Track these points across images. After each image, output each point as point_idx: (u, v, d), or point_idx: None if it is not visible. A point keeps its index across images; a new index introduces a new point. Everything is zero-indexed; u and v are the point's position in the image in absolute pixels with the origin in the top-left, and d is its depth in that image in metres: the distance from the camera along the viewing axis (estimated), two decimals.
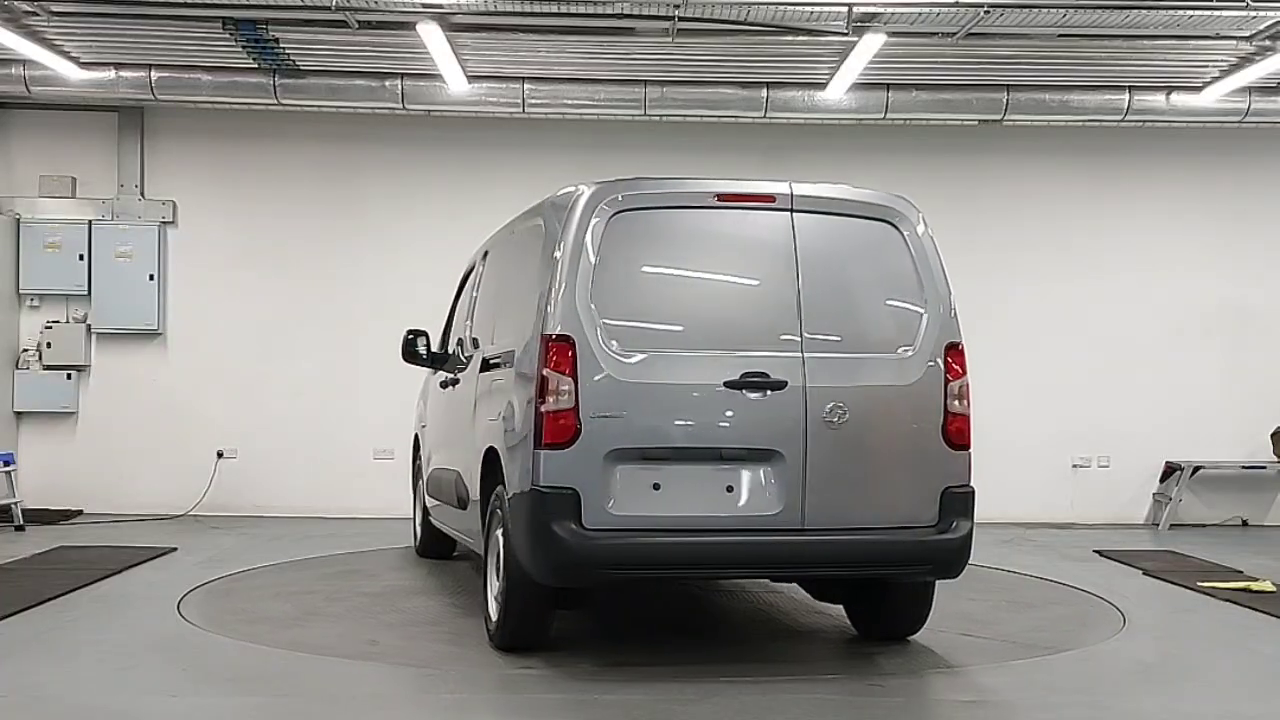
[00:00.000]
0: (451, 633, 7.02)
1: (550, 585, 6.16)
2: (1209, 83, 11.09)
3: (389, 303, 11.76)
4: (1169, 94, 11.36)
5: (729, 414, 6.06)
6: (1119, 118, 11.51)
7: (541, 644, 6.43)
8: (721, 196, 6.32)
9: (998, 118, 11.49)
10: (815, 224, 6.35)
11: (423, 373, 9.43)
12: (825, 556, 6.15)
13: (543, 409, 5.88)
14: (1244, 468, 12.37)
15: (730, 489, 6.06)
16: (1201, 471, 12.23)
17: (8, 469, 11.23)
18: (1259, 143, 12.38)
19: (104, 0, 9.70)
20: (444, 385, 8.37)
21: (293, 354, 12.25)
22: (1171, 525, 12.04)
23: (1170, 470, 12.25)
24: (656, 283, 6.30)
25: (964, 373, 6.35)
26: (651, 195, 6.27)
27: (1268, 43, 9.95)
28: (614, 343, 5.98)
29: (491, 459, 6.64)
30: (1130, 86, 11.31)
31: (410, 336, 8.73)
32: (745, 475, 6.07)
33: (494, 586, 6.58)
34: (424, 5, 9.33)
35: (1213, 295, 12.49)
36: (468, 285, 8.71)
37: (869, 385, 6.22)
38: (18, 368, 12.16)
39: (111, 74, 11.14)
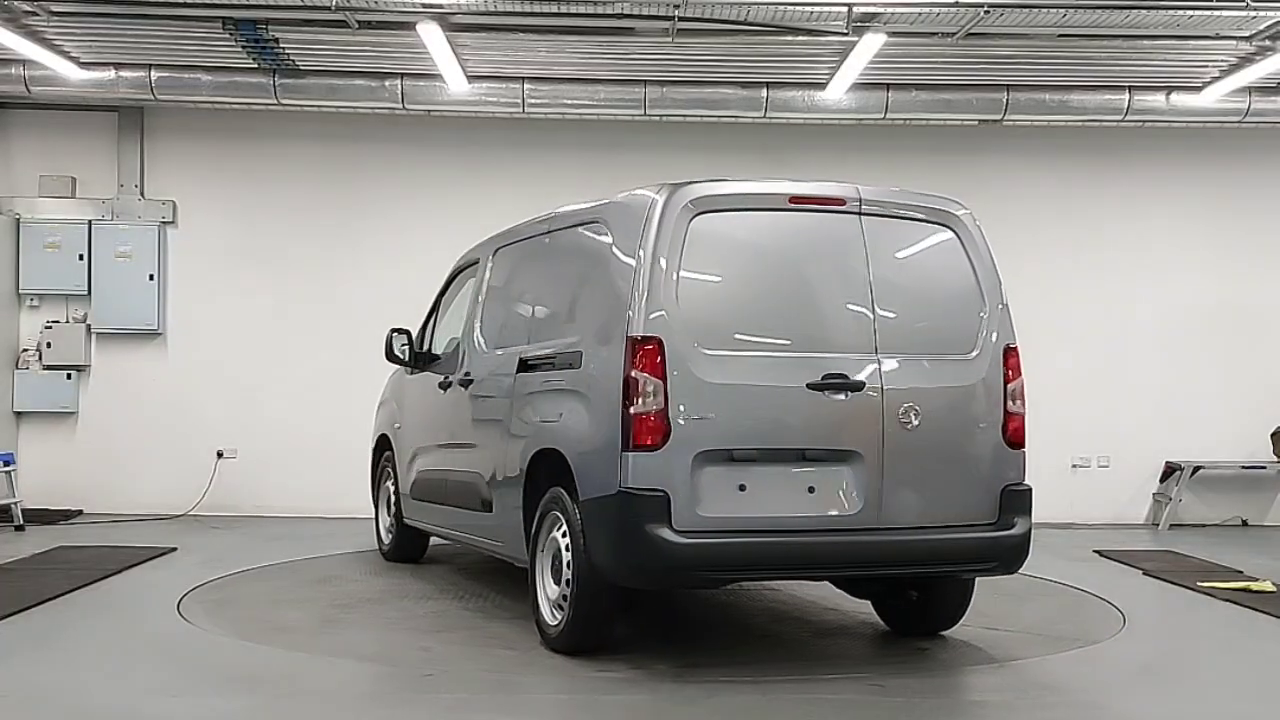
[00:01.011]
0: (492, 636, 6.90)
1: (637, 587, 6.24)
2: (1209, 83, 11.09)
3: (389, 302, 11.72)
4: (1169, 94, 11.36)
5: (812, 415, 6.12)
6: (1119, 118, 11.51)
7: (606, 646, 6.41)
8: (794, 199, 6.38)
9: (998, 118, 11.49)
10: (882, 226, 6.46)
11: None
12: (902, 556, 6.26)
13: (632, 411, 5.86)
14: (1244, 468, 12.36)
15: (812, 490, 6.11)
16: (1201, 471, 12.23)
17: (8, 469, 11.23)
18: (1259, 143, 12.38)
19: (104, 0, 9.71)
20: (443, 386, 8.21)
21: (293, 353, 12.25)
22: (1171, 525, 12.04)
23: (1170, 470, 12.25)
24: (736, 284, 6.31)
25: (1020, 373, 6.55)
26: (728, 197, 6.29)
27: (1268, 43, 9.95)
28: (699, 344, 5.99)
29: (543, 461, 6.58)
30: (1130, 86, 11.31)
31: (393, 335, 8.77)
32: (826, 476, 6.13)
33: (549, 590, 6.53)
34: (424, 5, 9.33)
35: (1213, 295, 12.49)
36: (464, 287, 8.62)
37: (938, 386, 6.34)
38: (18, 368, 12.16)
39: (111, 74, 11.14)
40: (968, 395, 6.41)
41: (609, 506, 5.95)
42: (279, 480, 12.07)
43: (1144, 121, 11.63)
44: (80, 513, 11.92)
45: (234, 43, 10.40)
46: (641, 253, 6.07)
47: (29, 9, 9.67)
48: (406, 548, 9.29)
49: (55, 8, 9.72)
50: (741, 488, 5.99)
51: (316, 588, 8.39)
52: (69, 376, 12.18)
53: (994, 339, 6.50)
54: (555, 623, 6.45)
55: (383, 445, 9.64)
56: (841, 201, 6.40)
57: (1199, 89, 11.21)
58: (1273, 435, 12.24)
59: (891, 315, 6.32)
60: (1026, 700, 5.88)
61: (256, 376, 12.22)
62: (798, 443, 6.10)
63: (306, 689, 5.91)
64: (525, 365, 7.00)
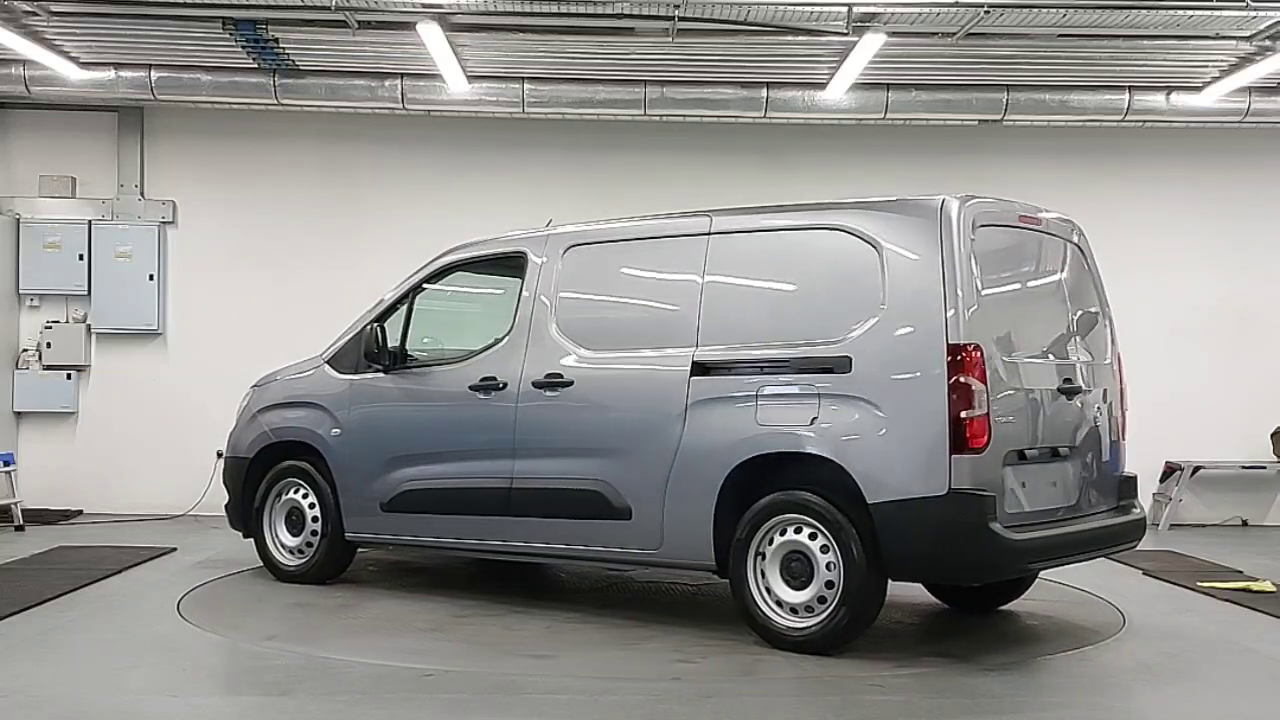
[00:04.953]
0: (693, 644, 6.80)
1: (957, 583, 7.36)
2: (1209, 83, 11.09)
3: None
4: (1169, 94, 11.36)
5: (1062, 416, 6.86)
6: (1119, 118, 11.51)
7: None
8: (1021, 217, 7.00)
9: (998, 118, 11.49)
10: (1056, 244, 7.25)
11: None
12: (1097, 539, 7.01)
13: (964, 415, 6.14)
14: (1244, 468, 12.36)
15: (1054, 484, 6.78)
16: (1201, 471, 12.23)
17: (8, 469, 11.25)
18: (1259, 143, 12.37)
19: (104, 0, 9.71)
20: (483, 389, 7.71)
21: (293, 354, 12.14)
22: (1171, 525, 12.02)
23: (1170, 470, 12.24)
24: (1007, 294, 6.85)
25: (1123, 378, 7.54)
26: (991, 213, 6.74)
27: (1268, 43, 9.95)
28: (998, 349, 6.37)
29: (758, 465, 6.64)
30: (1130, 86, 11.31)
31: (376, 331, 8.18)
32: (1061, 471, 6.83)
33: (785, 594, 6.60)
34: (424, 5, 9.34)
35: (1213, 295, 12.48)
36: (464, 286, 8.56)
37: (1103, 388, 7.25)
38: (18, 368, 12.16)
39: (111, 74, 11.15)
40: (1110, 395, 7.31)
41: (934, 507, 6.16)
42: None
43: (1144, 121, 11.63)
44: (80, 513, 11.92)
45: (234, 43, 10.40)
46: (947, 262, 6.33)
47: (29, 9, 9.67)
48: (334, 564, 8.54)
49: (55, 8, 9.72)
50: (1024, 484, 6.48)
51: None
52: (69, 376, 12.18)
53: (1112, 344, 7.45)
54: (805, 625, 6.52)
55: (281, 454, 8.73)
56: (1038, 221, 7.11)
57: (1199, 89, 11.21)
58: (1273, 435, 12.23)
59: (1078, 323, 7.17)
60: (1027, 700, 5.89)
61: (257, 376, 12.18)
62: (1056, 441, 6.78)
63: (307, 689, 5.91)
64: (704, 369, 6.89)
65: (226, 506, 9.05)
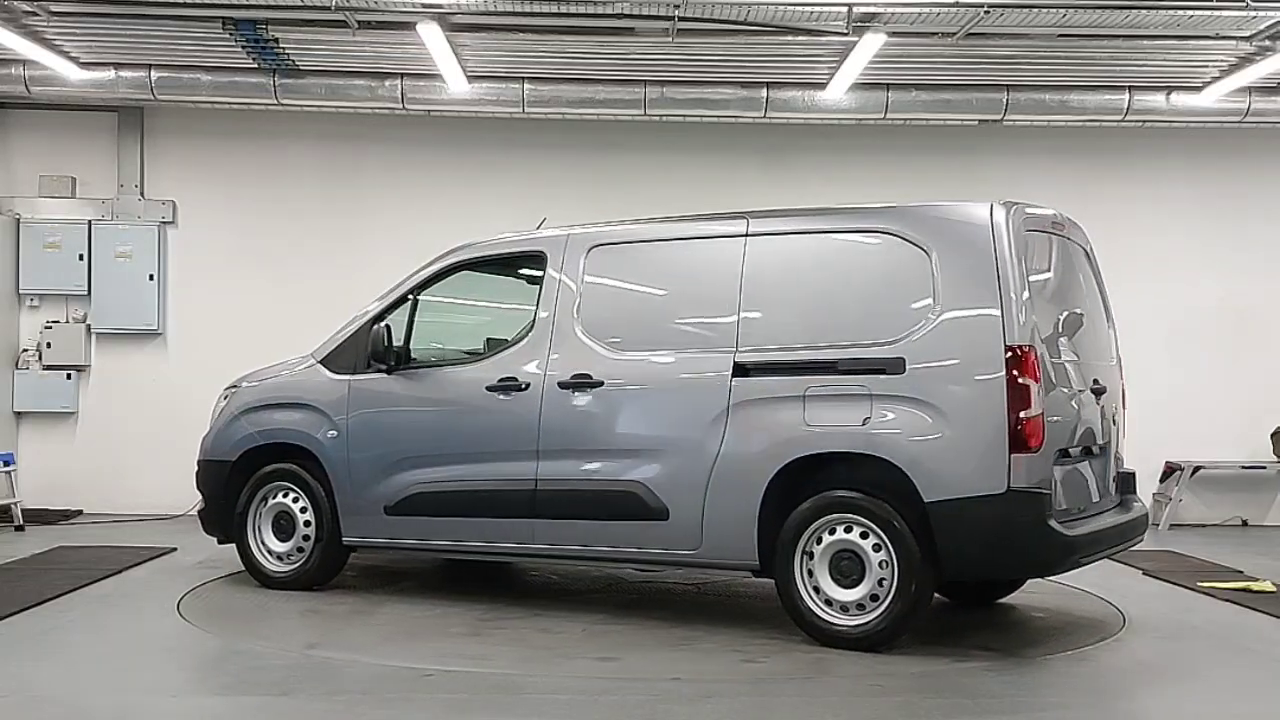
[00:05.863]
0: (741, 645, 6.76)
1: (1015, 578, 7.64)
2: (1209, 83, 11.09)
3: None
4: (1169, 94, 11.36)
5: (1091, 416, 7.08)
6: (1119, 118, 11.51)
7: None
8: (1052, 223, 7.16)
9: (998, 118, 11.49)
10: (1073, 248, 7.44)
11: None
12: (1120, 534, 7.15)
13: (1022, 415, 6.30)
14: (1244, 468, 12.36)
15: (1086, 481, 7.03)
16: (1201, 471, 12.23)
17: (8, 469, 11.25)
18: (1259, 143, 12.37)
19: (104, 0, 9.72)
20: (503, 390, 7.56)
21: (292, 354, 12.20)
22: (1171, 525, 12.03)
23: (1170, 470, 12.24)
24: (1047, 295, 6.99)
25: (1123, 375, 7.71)
26: (1029, 218, 6.90)
27: (1268, 43, 9.95)
28: (1047, 352, 6.57)
29: (805, 465, 6.70)
30: (1130, 86, 11.31)
31: (384, 331, 7.96)
32: (1091, 469, 7.10)
33: (835, 593, 6.66)
34: (424, 5, 9.34)
35: (1213, 295, 12.48)
36: (472, 287, 8.50)
37: (1115, 389, 7.47)
38: (18, 368, 12.16)
39: (111, 74, 11.15)
40: (1116, 394, 7.50)
41: (993, 506, 6.30)
42: None
43: (1144, 121, 11.63)
44: (80, 513, 11.92)
45: (234, 43, 10.40)
46: (1000, 265, 6.48)
47: (29, 9, 9.67)
48: (327, 569, 8.28)
49: (55, 8, 9.72)
50: (1064, 482, 6.66)
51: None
52: (69, 376, 12.18)
53: (1116, 348, 7.68)
54: (859, 623, 6.59)
55: (267, 457, 8.40)
56: (1063, 225, 7.30)
57: (1199, 89, 11.21)
58: (1273, 435, 12.23)
59: (1092, 325, 7.32)
60: (1027, 700, 5.88)
61: None
62: (1089, 440, 7.02)
63: (307, 689, 5.91)
64: (746, 370, 6.91)
65: (201, 512, 8.75)
